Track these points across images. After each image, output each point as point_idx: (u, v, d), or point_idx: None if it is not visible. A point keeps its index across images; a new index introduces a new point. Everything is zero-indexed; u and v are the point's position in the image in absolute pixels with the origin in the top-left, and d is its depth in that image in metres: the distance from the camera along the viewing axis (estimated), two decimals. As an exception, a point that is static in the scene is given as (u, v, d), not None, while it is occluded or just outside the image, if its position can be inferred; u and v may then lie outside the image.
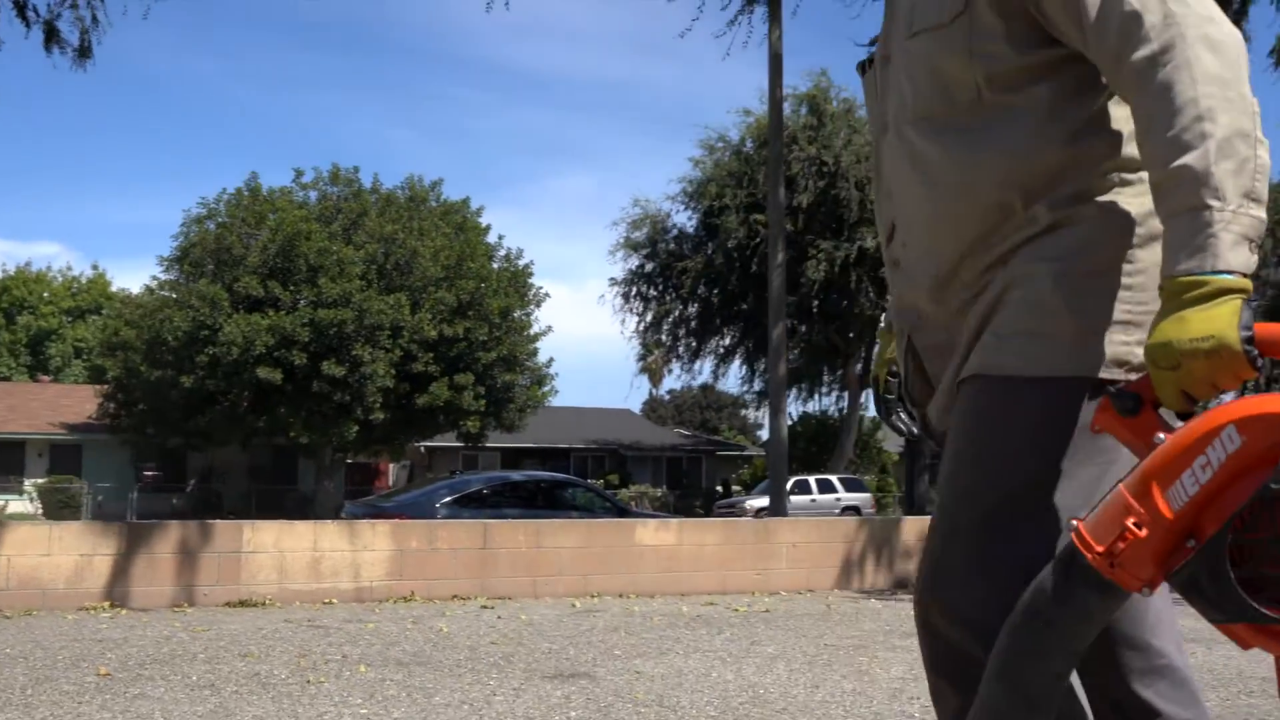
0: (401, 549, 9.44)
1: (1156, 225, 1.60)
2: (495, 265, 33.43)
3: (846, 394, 37.72)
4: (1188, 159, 1.44)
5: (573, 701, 4.63)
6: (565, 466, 42.20)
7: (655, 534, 10.57)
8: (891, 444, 44.21)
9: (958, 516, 1.63)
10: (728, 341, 39.47)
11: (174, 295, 31.48)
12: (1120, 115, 1.69)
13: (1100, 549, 1.38)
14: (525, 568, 9.83)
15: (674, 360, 40.43)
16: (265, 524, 9.21)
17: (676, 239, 38.85)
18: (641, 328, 40.37)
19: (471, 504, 14.42)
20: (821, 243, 33.67)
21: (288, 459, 37.99)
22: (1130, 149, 1.67)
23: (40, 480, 35.33)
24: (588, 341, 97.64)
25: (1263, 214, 1.46)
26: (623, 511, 15.03)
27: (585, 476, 41.40)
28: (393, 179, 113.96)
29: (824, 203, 34.19)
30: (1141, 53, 1.51)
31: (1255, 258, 1.45)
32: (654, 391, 73.71)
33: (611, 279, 45.20)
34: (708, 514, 34.93)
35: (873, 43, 2.00)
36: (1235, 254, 1.42)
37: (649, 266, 38.80)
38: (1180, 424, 1.40)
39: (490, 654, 5.97)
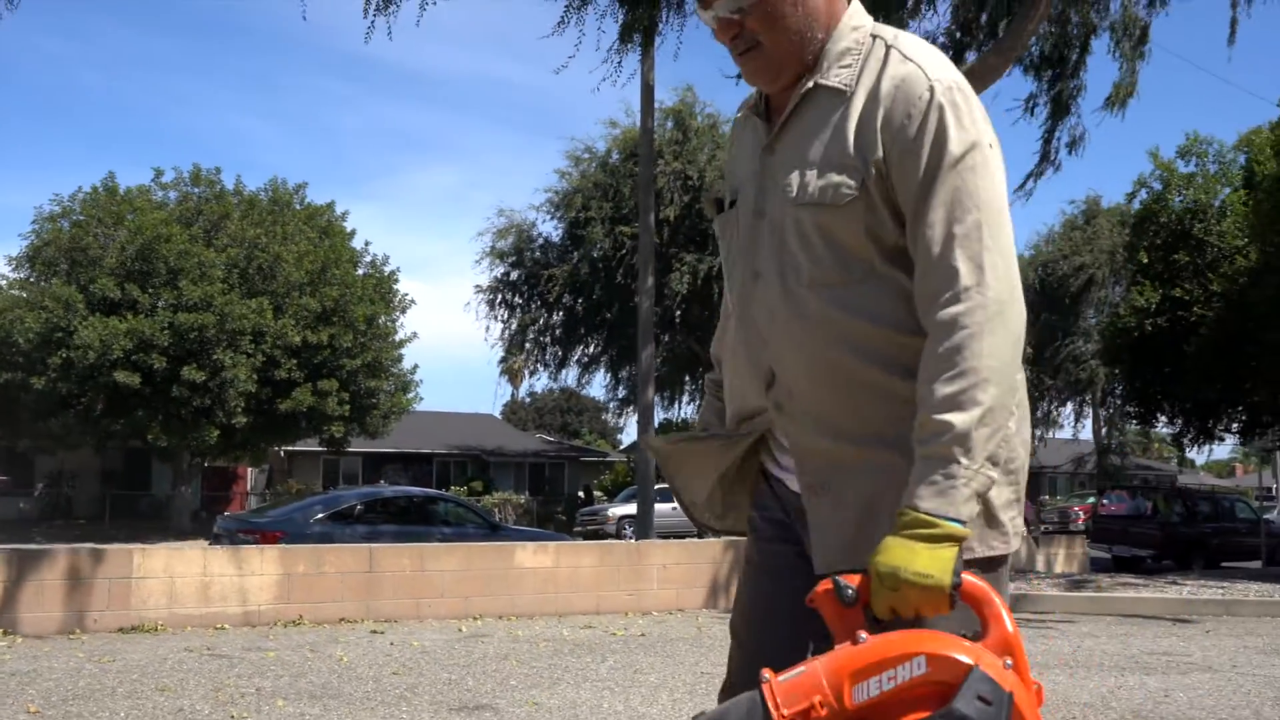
0: (289, 573, 9.71)
1: (1023, 411, 1.84)
2: (360, 271, 33.38)
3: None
4: (955, 417, 1.66)
5: (483, 735, 5.09)
6: (428, 472, 42.20)
7: (534, 556, 11.03)
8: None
9: None
10: (593, 350, 40.06)
11: (24, 295, 30.67)
12: None
13: (786, 713, 1.56)
14: (409, 590, 10.19)
15: (540, 367, 40.82)
16: (155, 549, 9.41)
17: (542, 248, 39.28)
18: (507, 335, 40.73)
19: (345, 520, 14.69)
20: (686, 255, 34.47)
21: (141, 463, 37.23)
22: None
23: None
24: (447, 341, 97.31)
25: (996, 475, 1.72)
26: (494, 527, 15.45)
27: (448, 482, 41.49)
28: (248, 170, 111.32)
29: (688, 216, 35.02)
30: (950, 309, 1.70)
31: (979, 508, 1.70)
32: (515, 394, 73.97)
33: (477, 286, 45.39)
34: (570, 521, 35.39)
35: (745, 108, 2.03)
36: (968, 506, 1.66)
37: (514, 275, 39.16)
38: (865, 636, 1.59)
39: (394, 685, 6.37)
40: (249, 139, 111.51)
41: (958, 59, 17.11)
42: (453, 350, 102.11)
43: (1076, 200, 52.53)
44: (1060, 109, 16.30)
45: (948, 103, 1.76)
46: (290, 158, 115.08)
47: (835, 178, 1.80)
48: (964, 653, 1.57)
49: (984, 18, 16.65)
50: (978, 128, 1.77)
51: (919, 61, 1.80)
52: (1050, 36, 16.27)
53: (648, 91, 18.52)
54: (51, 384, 28.80)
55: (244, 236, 31.05)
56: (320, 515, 14.63)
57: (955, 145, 1.74)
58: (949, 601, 1.64)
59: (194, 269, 29.65)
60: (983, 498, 1.69)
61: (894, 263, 1.80)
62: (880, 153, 1.77)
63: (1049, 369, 45.89)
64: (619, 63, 15.39)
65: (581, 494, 42.77)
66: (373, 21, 13.83)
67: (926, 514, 1.65)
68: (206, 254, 30.06)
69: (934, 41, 17.21)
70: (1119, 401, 42.05)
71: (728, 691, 1.96)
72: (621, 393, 41.30)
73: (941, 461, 1.66)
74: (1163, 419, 28.84)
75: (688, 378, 40.16)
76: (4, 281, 32.18)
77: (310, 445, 37.28)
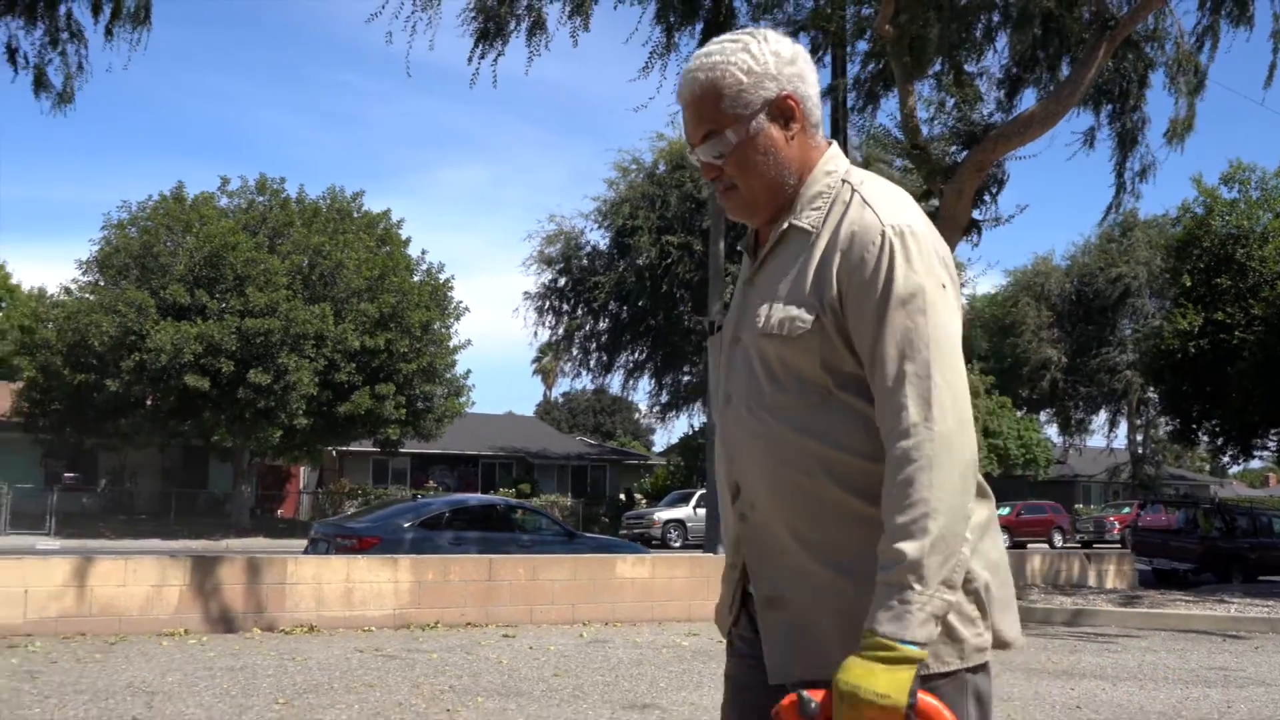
0: (420, 580, 10.70)
1: (984, 526, 1.96)
2: (416, 279, 34.42)
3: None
4: (907, 545, 1.77)
5: (664, 730, 6.04)
6: (473, 474, 43.30)
7: (633, 568, 12.00)
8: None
9: None
10: (637, 356, 41.07)
11: (92, 297, 31.86)
12: None
13: None
14: (524, 598, 11.16)
15: (584, 371, 41.85)
16: (306, 559, 10.46)
17: (590, 256, 40.33)
18: (554, 340, 41.81)
19: (434, 526, 15.68)
20: (731, 268, 35.37)
21: (199, 460, 38.43)
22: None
23: (-52, 478, 35.27)
24: (477, 339, 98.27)
25: (954, 597, 1.82)
26: (570, 534, 16.42)
27: (494, 484, 42.56)
28: (282, 167, 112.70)
29: (737, 228, 35.90)
30: (900, 444, 1.81)
31: (938, 628, 1.80)
32: (548, 394, 75.01)
33: (525, 292, 46.53)
34: (615, 524, 36.32)
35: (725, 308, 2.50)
36: (923, 629, 1.76)
37: (562, 281, 40.22)
38: None
39: (562, 685, 7.33)
40: (278, 133, 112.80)
41: (1011, 95, 17.97)
42: (483, 348, 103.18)
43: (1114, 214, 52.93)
44: (1128, 141, 17.16)
45: (900, 247, 1.86)
46: (320, 152, 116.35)
47: (794, 311, 1.92)
48: None
49: (1042, 55, 17.49)
50: (930, 269, 1.88)
51: (876, 207, 1.91)
52: (1107, 73, 17.09)
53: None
54: (125, 385, 29.95)
55: (306, 244, 32.16)
56: (412, 522, 15.64)
57: (903, 288, 1.85)
58: (905, 719, 1.75)
59: (259, 275, 30.75)
60: (941, 620, 1.80)
61: (850, 389, 1.91)
62: (835, 291, 1.89)
63: (1084, 377, 46.64)
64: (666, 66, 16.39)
65: (623, 497, 43.73)
66: (477, 68, 14.85)
67: (884, 637, 1.76)
68: (271, 261, 31.15)
69: (992, 79, 18.08)
70: (1154, 413, 42.79)
71: None
72: (665, 398, 42.35)
73: (898, 588, 1.77)
74: (1204, 438, 29.66)
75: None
76: (74, 285, 33.39)
77: (360, 446, 38.43)
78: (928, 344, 1.84)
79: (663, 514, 34.36)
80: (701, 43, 17.05)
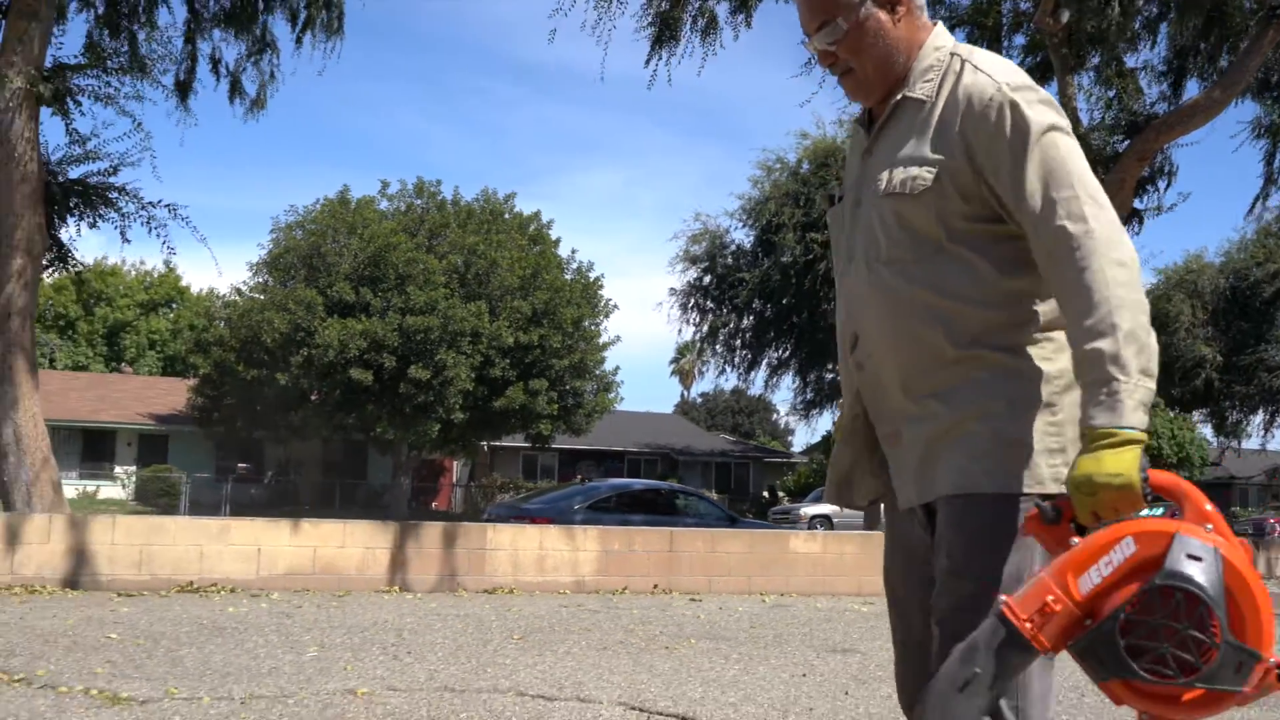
0: (607, 550, 11.34)
1: (1069, 378, 2.07)
2: (567, 277, 35.32)
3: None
4: (1102, 344, 1.90)
5: (867, 666, 6.51)
6: (619, 469, 44.13)
7: (805, 543, 12.48)
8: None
9: (962, 620, 1.96)
10: (781, 354, 41.37)
11: (262, 296, 33.47)
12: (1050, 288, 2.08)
13: (1025, 618, 1.80)
14: (703, 568, 11.72)
15: (728, 369, 42.31)
16: (503, 527, 11.17)
17: (734, 254, 40.78)
18: (698, 338, 42.37)
19: (602, 509, 16.35)
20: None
21: (359, 453, 39.96)
22: (1053, 316, 2.09)
23: (130, 468, 37.40)
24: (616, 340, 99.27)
25: (1153, 386, 1.94)
26: (732, 519, 16.95)
27: (639, 478, 43.31)
28: (426, 172, 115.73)
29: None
30: (1067, 259, 1.96)
31: (1148, 418, 1.91)
32: (685, 394, 75.62)
33: (671, 289, 47.21)
34: (760, 520, 36.73)
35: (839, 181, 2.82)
36: (1136, 415, 1.88)
37: (707, 279, 40.75)
38: (1078, 539, 1.83)
39: (762, 633, 7.86)
40: (421, 140, 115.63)
41: (1176, 87, 17.92)
42: (618, 349, 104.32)
43: (1272, 208, 51.32)
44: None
45: (1018, 98, 2.02)
46: (461, 158, 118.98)
47: (914, 170, 2.08)
48: (1165, 526, 1.80)
49: (1204, 45, 17.42)
50: (1050, 110, 2.04)
51: (988, 71, 2.08)
52: (1268, 61, 16.95)
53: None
54: (294, 380, 31.44)
55: (462, 244, 33.29)
56: (581, 504, 16.36)
57: (1034, 126, 2.01)
58: (1141, 496, 1.86)
59: (419, 275, 31.95)
60: (1149, 406, 1.91)
61: (958, 240, 2.07)
62: (962, 147, 2.06)
63: (1240, 376, 45.40)
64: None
65: (766, 494, 44.09)
66: (654, 70, 15.50)
67: (1103, 427, 1.88)
68: (429, 260, 32.34)
69: (1153, 71, 18.06)
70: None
71: (895, 631, 2.31)
72: (808, 395, 42.56)
73: (1103, 383, 1.90)
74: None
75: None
76: (246, 285, 35.13)
77: (511, 441, 39.54)
78: (1066, 169, 1.99)
79: (809, 509, 34.62)
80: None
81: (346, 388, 31.52)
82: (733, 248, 40.92)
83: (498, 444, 41.40)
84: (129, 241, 10.41)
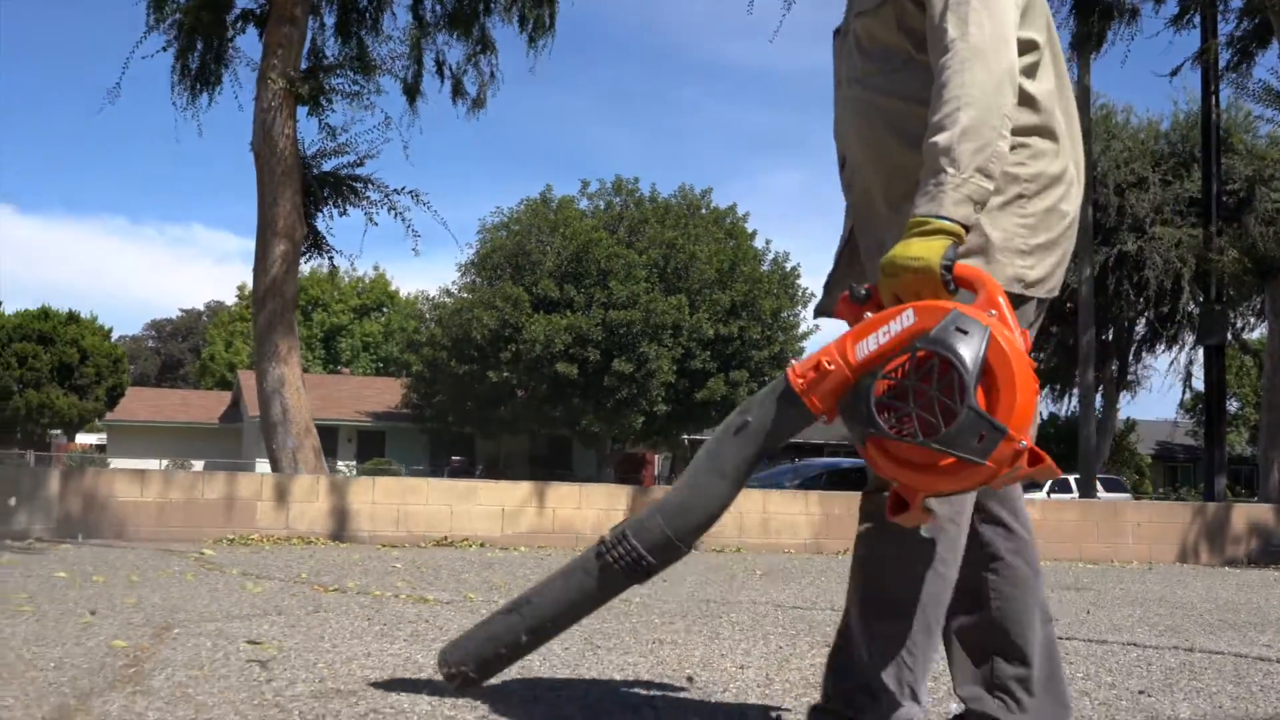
0: (828, 513, 11.65)
1: (1045, 183, 2.17)
2: (764, 268, 35.64)
3: (1102, 395, 38.35)
4: (940, 136, 1.96)
5: (1102, 599, 6.68)
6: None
7: (1024, 509, 12.52)
8: (1144, 446, 44.57)
9: None
10: (982, 343, 40.71)
11: (469, 295, 34.83)
12: (1025, 92, 2.15)
13: (800, 375, 1.97)
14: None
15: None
16: (728, 490, 11.60)
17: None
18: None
19: (811, 487, 16.65)
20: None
21: (563, 447, 41.11)
22: (1031, 122, 2.17)
23: (351, 462, 39.39)
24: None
25: (989, 185, 1.97)
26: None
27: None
28: (610, 176, 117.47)
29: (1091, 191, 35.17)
30: (940, 60, 2.03)
31: (977, 214, 1.97)
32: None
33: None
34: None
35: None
36: (958, 209, 1.94)
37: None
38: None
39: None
40: (603, 146, 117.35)
41: None
42: (818, 338, 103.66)
43: None
44: None
45: None
46: (647, 164, 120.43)
47: None
48: (947, 304, 1.88)
49: None
50: None
51: None
52: None
53: (1084, 93, 19.56)
54: (502, 375, 32.65)
55: (662, 239, 33.97)
56: (793, 481, 16.72)
57: None
58: (940, 282, 1.91)
59: (621, 270, 32.77)
60: (980, 204, 1.97)
61: (926, 50, 2.13)
62: None
63: None
64: (1069, 67, 16.71)
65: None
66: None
67: (920, 216, 1.95)
68: (630, 255, 33.14)
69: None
70: None
71: None
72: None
73: (932, 174, 1.96)
74: None
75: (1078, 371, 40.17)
76: (454, 286, 36.61)
77: (713, 433, 40.00)
78: None
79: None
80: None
81: (553, 382, 32.56)
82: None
83: (698, 437, 41.98)
84: (375, 224, 11.32)
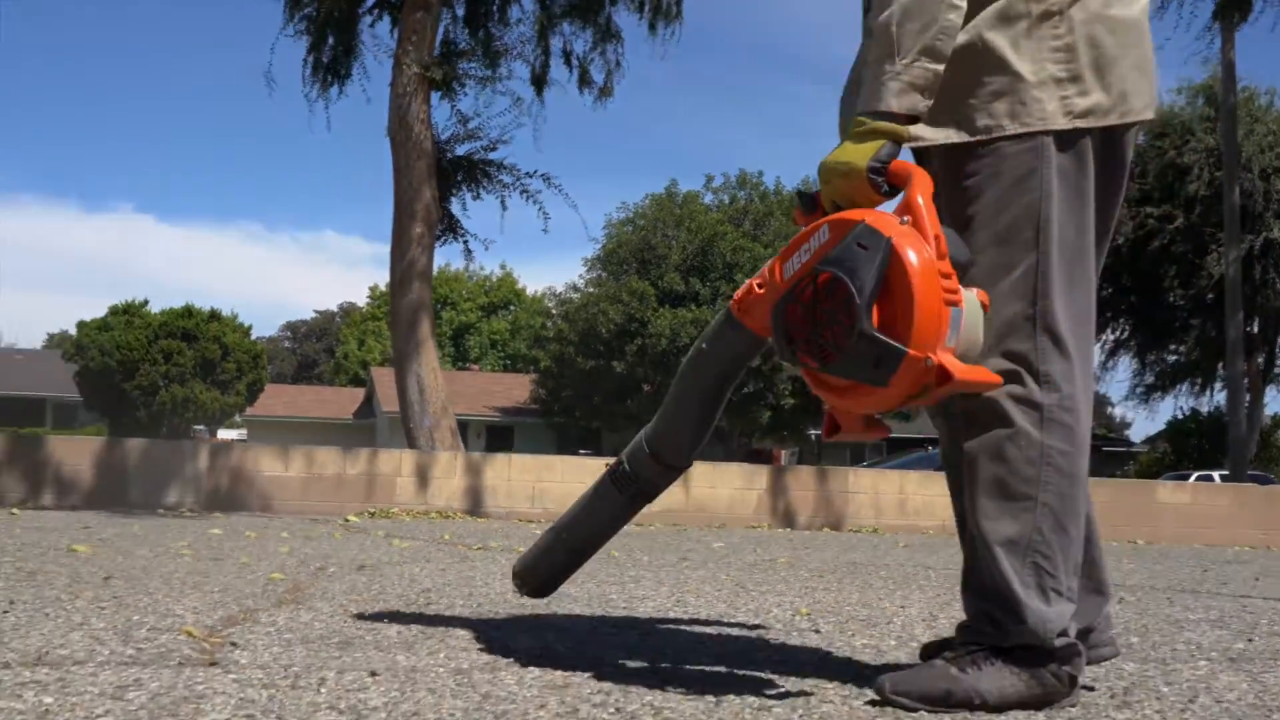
0: (966, 495, 11.41)
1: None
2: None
3: (1248, 389, 36.97)
4: (881, 18, 1.83)
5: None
6: (948, 456, 43.35)
7: (1173, 494, 12.11)
8: (1293, 440, 42.76)
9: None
10: (1117, 335, 39.60)
11: (594, 290, 35.02)
12: None
13: (737, 299, 1.97)
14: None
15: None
16: (864, 471, 11.45)
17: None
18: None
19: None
20: (1221, 234, 33.43)
21: (688, 442, 41.05)
22: None
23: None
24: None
25: (938, 67, 1.81)
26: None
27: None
28: (734, 171, 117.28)
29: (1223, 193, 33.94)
30: None
31: (926, 102, 1.81)
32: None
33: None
34: (1102, 505, 35.32)
35: None
36: (900, 99, 1.79)
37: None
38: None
39: (1148, 552, 7.81)
40: (726, 144, 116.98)
41: None
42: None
43: None
44: None
45: None
46: (769, 159, 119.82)
47: None
48: (857, 215, 1.78)
49: None
50: None
51: None
52: None
53: (1229, 69, 18.88)
54: (629, 368, 32.76)
55: (787, 233, 33.74)
56: (928, 470, 16.40)
57: None
58: (869, 186, 1.81)
59: (746, 263, 32.62)
60: (929, 90, 1.82)
61: None
62: None
63: None
64: (1210, 41, 16.11)
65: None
66: None
67: (859, 116, 1.84)
68: (755, 249, 32.98)
69: None
70: None
71: None
72: (1149, 378, 40.51)
73: (874, 65, 1.83)
74: None
75: (1221, 364, 38.80)
76: (580, 281, 36.88)
77: (840, 429, 39.57)
78: None
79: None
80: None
81: (679, 375, 32.56)
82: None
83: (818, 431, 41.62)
84: (507, 209, 11.34)
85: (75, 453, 9.55)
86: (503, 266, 56.17)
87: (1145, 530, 11.71)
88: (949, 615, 3.34)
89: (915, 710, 1.87)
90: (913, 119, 1.82)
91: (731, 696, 1.92)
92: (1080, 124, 1.91)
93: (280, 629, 2.50)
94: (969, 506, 2.02)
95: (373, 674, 2.01)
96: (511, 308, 55.84)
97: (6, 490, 9.11)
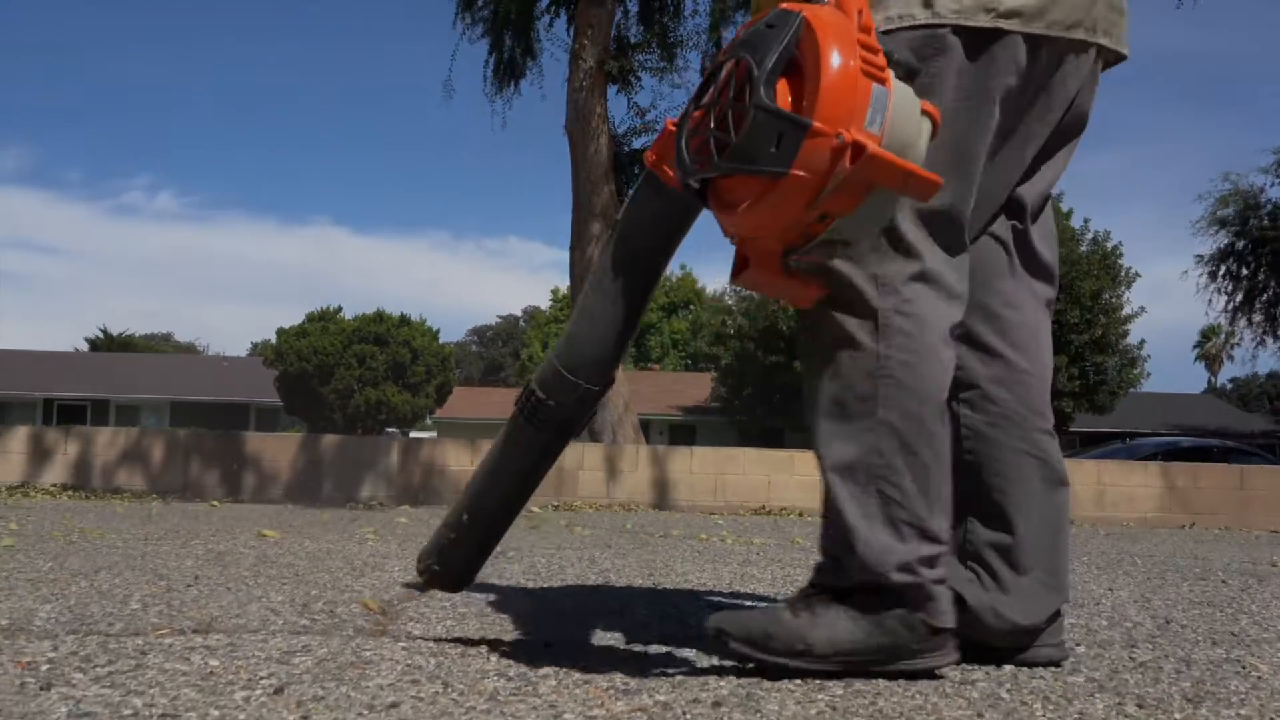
0: (1171, 486, 10.82)
1: None
2: (1083, 249, 33.83)
3: None
4: None
5: None
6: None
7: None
8: None
9: None
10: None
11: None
12: None
13: (654, 151, 1.82)
14: (1228, 506, 10.91)
15: (1268, 340, 38.72)
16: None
17: (1271, 214, 37.27)
18: (1231, 308, 39.09)
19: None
20: None
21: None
22: None
23: (662, 455, 40.16)
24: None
25: None
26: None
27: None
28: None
29: None
30: None
31: None
32: (1213, 381, 69.63)
33: (1198, 255, 43.90)
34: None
35: None
36: None
37: (1239, 244, 37.51)
38: None
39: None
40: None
41: None
42: (1139, 330, 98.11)
43: None
44: None
45: None
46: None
47: None
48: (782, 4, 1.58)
49: None
50: None
51: None
52: None
53: None
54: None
55: (972, 222, 32.91)
56: (1123, 460, 15.73)
57: None
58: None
59: (929, 255, 31.94)
60: None
61: None
62: None
63: None
64: None
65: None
66: None
67: None
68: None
69: None
70: None
71: None
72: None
73: None
74: None
75: None
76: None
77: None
78: None
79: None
80: None
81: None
82: (1269, 207, 37.44)
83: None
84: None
85: (273, 449, 9.89)
86: (683, 267, 56.38)
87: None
88: (1163, 597, 3.10)
89: (741, 653, 1.67)
90: None
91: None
92: (1003, 24, 1.75)
93: (455, 604, 2.45)
94: (812, 434, 1.78)
95: (547, 645, 1.94)
96: (691, 307, 55.91)
97: (208, 486, 9.49)
